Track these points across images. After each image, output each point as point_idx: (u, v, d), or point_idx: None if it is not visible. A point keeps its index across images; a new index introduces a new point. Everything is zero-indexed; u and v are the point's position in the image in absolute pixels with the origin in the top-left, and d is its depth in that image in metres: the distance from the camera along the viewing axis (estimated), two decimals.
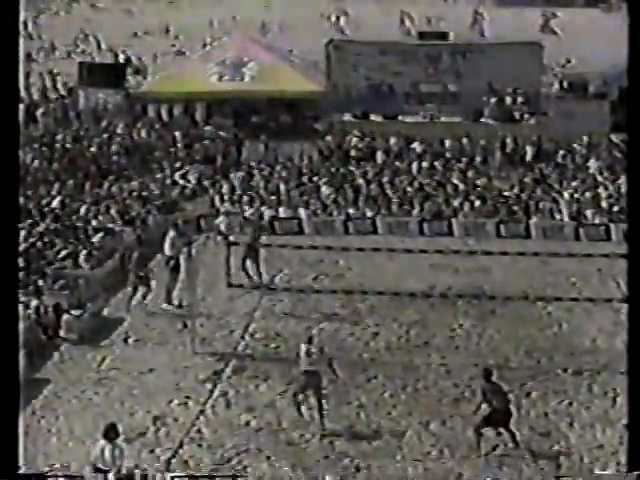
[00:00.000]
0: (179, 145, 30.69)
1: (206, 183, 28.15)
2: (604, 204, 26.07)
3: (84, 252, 21.16)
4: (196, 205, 26.61)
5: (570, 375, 17.10)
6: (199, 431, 15.08)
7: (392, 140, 30.77)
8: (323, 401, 15.17)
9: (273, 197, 26.71)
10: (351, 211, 26.04)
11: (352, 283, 21.21)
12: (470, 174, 28.45)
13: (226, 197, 26.75)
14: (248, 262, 20.97)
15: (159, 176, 28.27)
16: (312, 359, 14.98)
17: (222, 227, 23.17)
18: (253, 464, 14.08)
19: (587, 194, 26.63)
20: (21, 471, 11.70)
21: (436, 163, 29.34)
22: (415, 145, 30.51)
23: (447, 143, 30.58)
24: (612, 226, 24.93)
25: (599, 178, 28.16)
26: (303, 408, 15.28)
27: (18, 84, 12.20)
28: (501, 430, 14.49)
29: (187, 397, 16.13)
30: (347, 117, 32.59)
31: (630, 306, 12.31)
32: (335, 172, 28.76)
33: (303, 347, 15.15)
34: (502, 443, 14.56)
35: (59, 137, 30.45)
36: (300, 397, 15.29)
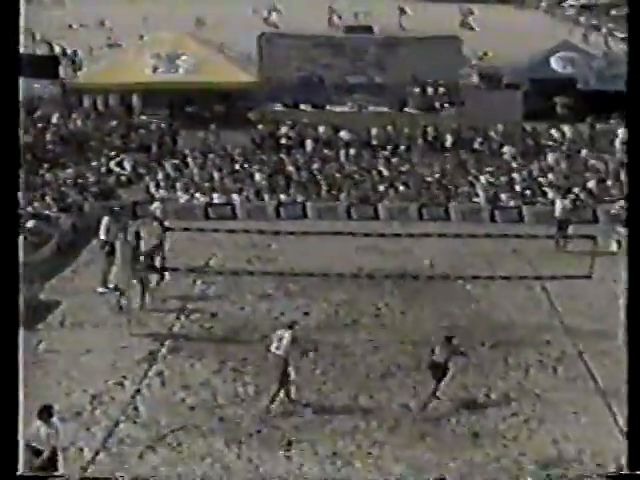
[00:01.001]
0: (115, 134, 30.75)
1: (141, 171, 28.48)
2: (518, 188, 27.15)
3: (20, 237, 21.29)
4: (131, 192, 26.83)
5: (487, 349, 17.82)
6: (135, 409, 15.26)
7: (321, 129, 31.26)
8: (281, 390, 15.30)
9: (207, 184, 27.21)
10: (282, 197, 26.67)
11: (284, 265, 21.59)
12: (395, 161, 29.23)
13: (161, 184, 27.17)
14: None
15: (95, 164, 28.44)
16: (279, 344, 15.18)
17: (157, 213, 23.53)
18: (188, 440, 14.37)
19: (502, 179, 27.71)
20: (19, 472, 11.57)
21: (363, 151, 30.02)
22: (343, 134, 31.07)
23: (373, 132, 31.19)
24: (524, 208, 26.09)
25: (513, 164, 29.25)
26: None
27: (18, 87, 12.03)
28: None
29: (124, 377, 16.31)
30: (278, 107, 33.17)
31: (630, 307, 12.51)
32: (267, 160, 29.25)
33: (278, 332, 15.38)
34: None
35: None
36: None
